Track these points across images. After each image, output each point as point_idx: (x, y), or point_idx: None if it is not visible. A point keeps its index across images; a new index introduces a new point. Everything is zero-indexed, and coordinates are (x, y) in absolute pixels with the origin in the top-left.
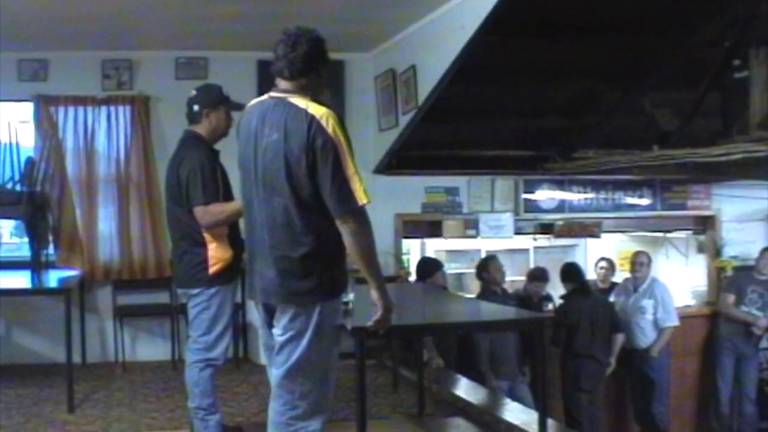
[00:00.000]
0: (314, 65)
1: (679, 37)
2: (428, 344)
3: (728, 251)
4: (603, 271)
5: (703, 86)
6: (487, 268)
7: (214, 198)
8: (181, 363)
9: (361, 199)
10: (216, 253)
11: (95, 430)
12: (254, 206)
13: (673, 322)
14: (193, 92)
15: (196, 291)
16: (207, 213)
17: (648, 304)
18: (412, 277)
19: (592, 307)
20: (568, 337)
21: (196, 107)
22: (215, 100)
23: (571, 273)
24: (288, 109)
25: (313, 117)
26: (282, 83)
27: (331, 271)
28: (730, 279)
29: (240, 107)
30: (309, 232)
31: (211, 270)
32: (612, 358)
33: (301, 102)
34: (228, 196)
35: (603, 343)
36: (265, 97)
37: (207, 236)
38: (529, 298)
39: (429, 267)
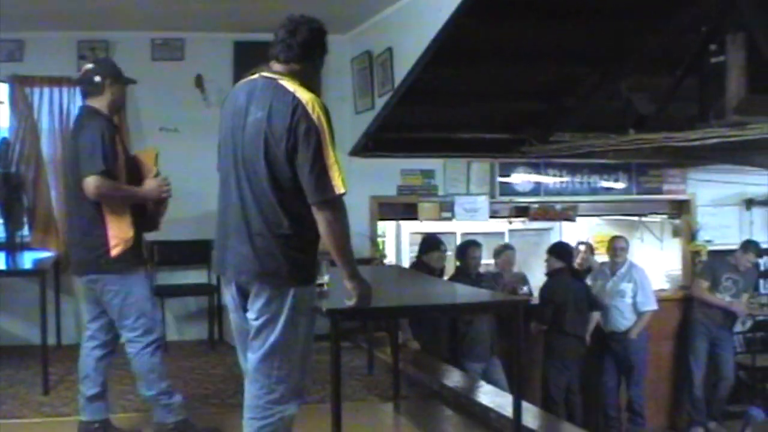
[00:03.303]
0: (310, 54)
1: (657, 21)
2: (403, 326)
3: (703, 235)
4: (582, 254)
5: (680, 71)
6: (465, 252)
7: (109, 169)
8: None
9: (339, 188)
10: (117, 233)
11: (70, 411)
12: (231, 183)
13: (652, 306)
14: (90, 65)
15: (100, 277)
16: (98, 186)
17: (627, 287)
18: (388, 260)
19: (579, 288)
20: (555, 315)
21: (97, 78)
22: (116, 72)
23: (560, 251)
24: (276, 90)
25: (299, 101)
26: (275, 65)
27: (306, 256)
28: (705, 264)
29: (133, 82)
30: (286, 215)
31: (113, 252)
32: (587, 335)
33: (290, 85)
34: (131, 173)
35: (586, 322)
36: (255, 76)
37: (107, 214)
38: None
39: (427, 244)
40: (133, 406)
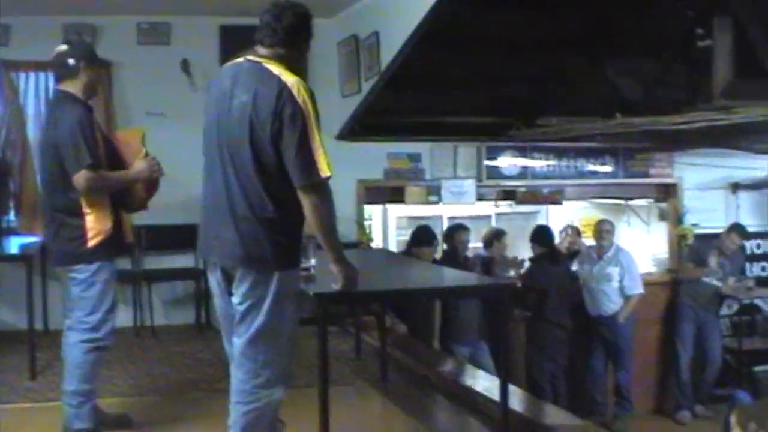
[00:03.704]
0: (296, 39)
1: (643, 6)
2: (390, 311)
3: (689, 219)
4: (568, 237)
5: (666, 55)
6: (452, 236)
7: (96, 161)
8: (144, 330)
9: (325, 171)
10: (95, 224)
11: (57, 396)
12: (216, 167)
13: (639, 289)
14: (64, 47)
15: (76, 268)
16: (89, 179)
17: (614, 271)
18: (374, 243)
19: (560, 274)
20: (538, 302)
21: (71, 61)
22: (91, 54)
23: (542, 236)
24: (261, 74)
25: (285, 84)
26: (261, 50)
27: (291, 240)
28: (692, 248)
29: (107, 64)
30: (271, 199)
31: (91, 243)
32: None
33: (275, 69)
34: (110, 161)
35: (569, 310)
36: (241, 59)
37: (85, 205)
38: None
39: (419, 238)
40: (118, 390)
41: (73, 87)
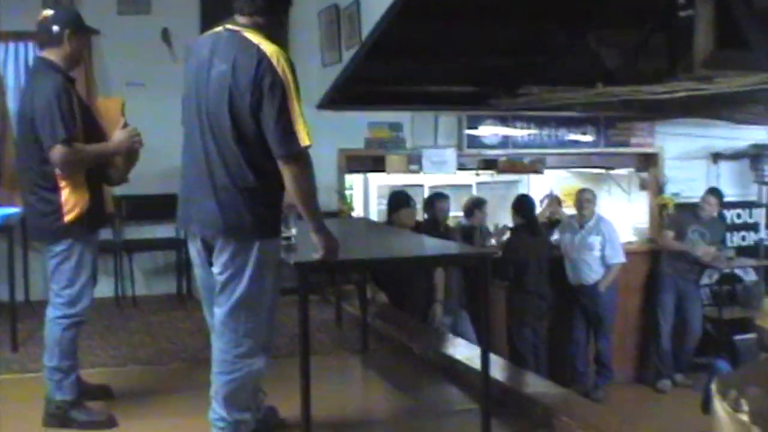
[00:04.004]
0: (274, 7)
1: None
2: (372, 280)
3: (670, 189)
4: (549, 207)
5: (648, 25)
6: (432, 204)
7: (71, 136)
8: (125, 300)
9: (304, 141)
10: (71, 199)
11: (39, 368)
12: (195, 136)
13: (620, 259)
14: (49, 12)
15: (54, 242)
16: (65, 154)
17: (595, 240)
18: (355, 213)
19: (540, 245)
20: (516, 273)
21: (55, 27)
22: (77, 21)
23: (522, 206)
24: (240, 43)
25: (264, 54)
26: (240, 19)
27: (271, 209)
28: (672, 217)
29: (96, 32)
30: (251, 169)
31: (67, 218)
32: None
33: (254, 38)
34: (90, 132)
35: (548, 279)
36: (219, 28)
37: (60, 179)
38: (473, 229)
39: (395, 201)
40: (99, 361)
41: (55, 55)
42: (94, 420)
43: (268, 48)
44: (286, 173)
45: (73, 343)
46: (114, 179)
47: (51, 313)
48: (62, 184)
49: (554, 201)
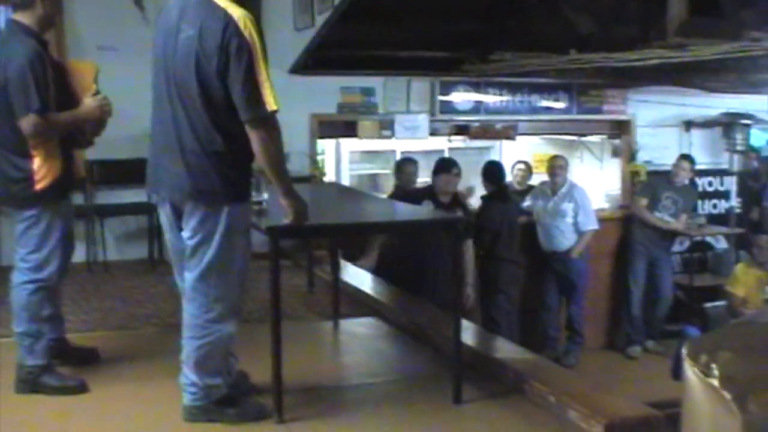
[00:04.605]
0: None
1: None
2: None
3: (642, 156)
4: (520, 173)
5: None
6: (401, 169)
7: (46, 104)
8: (96, 265)
9: (271, 105)
10: (43, 166)
11: (9, 333)
12: (164, 100)
13: (593, 225)
14: None
15: (24, 209)
16: (37, 125)
17: (568, 207)
18: (327, 178)
19: (511, 212)
20: (490, 241)
21: None
22: None
23: (492, 174)
24: (207, 7)
25: (231, 18)
26: None
27: (240, 173)
28: (645, 184)
29: None
30: (219, 133)
31: (38, 186)
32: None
33: (221, 1)
34: (61, 96)
35: (519, 246)
36: None
37: (32, 146)
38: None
39: (435, 166)
40: (71, 326)
41: (28, 18)
42: (65, 386)
43: (235, 12)
44: (253, 137)
45: (40, 307)
46: (81, 143)
47: (16, 278)
48: (34, 152)
49: (525, 169)
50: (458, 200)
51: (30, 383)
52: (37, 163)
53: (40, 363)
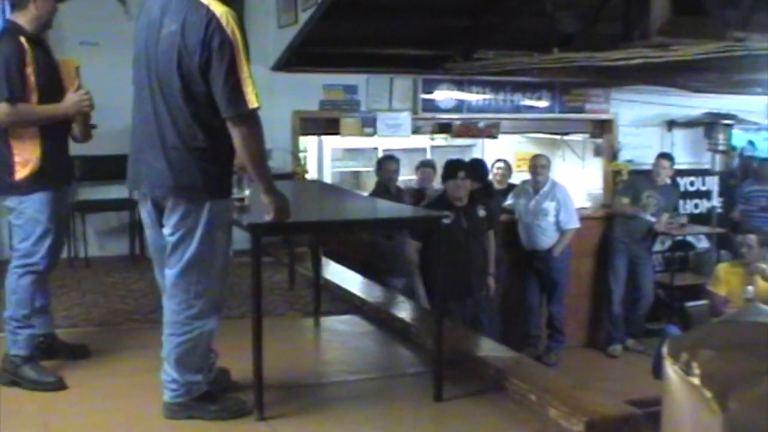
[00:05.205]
0: None
1: None
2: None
3: (624, 155)
4: (500, 171)
5: None
6: (382, 166)
7: (15, 96)
8: (78, 261)
9: (253, 102)
10: (21, 155)
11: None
12: (145, 96)
13: (575, 224)
14: None
15: (7, 197)
16: (6, 113)
17: (550, 206)
18: (309, 175)
19: (494, 210)
20: None
21: None
22: None
23: (476, 171)
24: (190, 3)
25: (213, 14)
26: None
27: (221, 169)
28: (627, 183)
29: None
30: (201, 128)
31: (19, 175)
32: None
33: None
34: (49, 93)
35: (504, 245)
36: None
37: (11, 137)
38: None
39: (443, 173)
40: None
41: (23, 18)
42: (42, 380)
43: (218, 8)
44: (235, 134)
45: (28, 293)
46: (76, 137)
47: (10, 264)
48: (11, 141)
49: (505, 168)
50: (477, 198)
51: (10, 373)
52: (15, 151)
53: (22, 353)
